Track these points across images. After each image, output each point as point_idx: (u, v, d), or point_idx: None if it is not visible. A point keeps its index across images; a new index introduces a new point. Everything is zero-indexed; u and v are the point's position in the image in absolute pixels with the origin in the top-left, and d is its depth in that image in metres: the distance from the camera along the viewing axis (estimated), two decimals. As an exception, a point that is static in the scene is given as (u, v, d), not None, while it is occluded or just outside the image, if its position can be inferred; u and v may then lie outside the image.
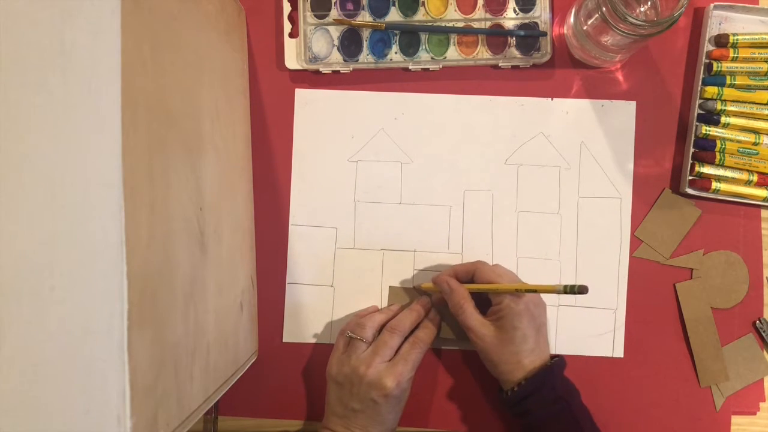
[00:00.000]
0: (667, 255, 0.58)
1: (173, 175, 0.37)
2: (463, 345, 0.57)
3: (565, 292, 0.45)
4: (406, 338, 0.52)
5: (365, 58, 0.58)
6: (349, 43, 0.58)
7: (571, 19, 0.56)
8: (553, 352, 0.58)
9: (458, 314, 0.51)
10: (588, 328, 0.58)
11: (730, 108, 0.56)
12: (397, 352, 0.51)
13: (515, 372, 0.49)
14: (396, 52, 0.58)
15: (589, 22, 0.52)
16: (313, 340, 0.58)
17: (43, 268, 0.30)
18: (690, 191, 0.57)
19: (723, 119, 0.56)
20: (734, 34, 0.56)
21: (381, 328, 0.53)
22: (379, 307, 0.58)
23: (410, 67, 0.58)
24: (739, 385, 0.57)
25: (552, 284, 0.48)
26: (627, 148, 0.58)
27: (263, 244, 0.59)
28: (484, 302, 0.52)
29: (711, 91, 0.56)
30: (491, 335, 0.50)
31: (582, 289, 0.44)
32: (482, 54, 0.58)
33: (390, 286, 0.58)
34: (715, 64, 0.56)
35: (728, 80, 0.56)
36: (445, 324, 0.56)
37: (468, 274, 0.53)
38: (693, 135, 0.57)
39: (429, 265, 0.59)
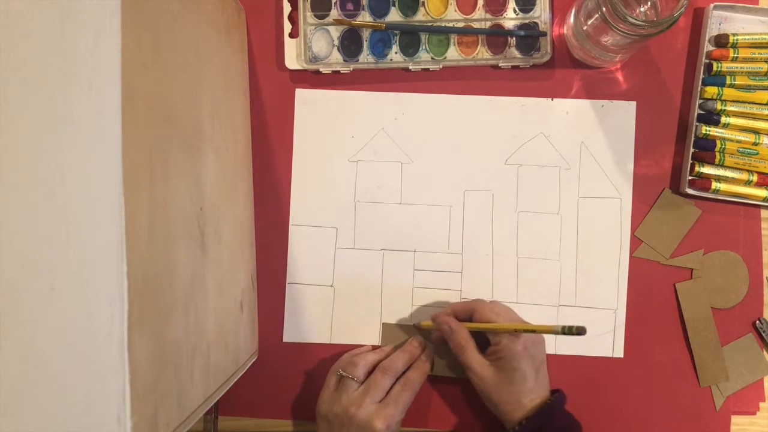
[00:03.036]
0: (667, 255, 0.58)
1: (173, 175, 0.37)
2: (459, 376, 0.56)
3: (563, 333, 0.45)
4: (398, 379, 0.52)
5: (365, 58, 0.58)
6: (349, 43, 0.58)
7: (571, 19, 0.56)
8: (553, 352, 0.58)
9: (459, 354, 0.51)
10: (588, 328, 0.58)
11: (730, 108, 0.56)
12: (388, 392, 0.51)
13: (515, 412, 0.49)
14: (396, 52, 0.58)
15: (589, 22, 0.52)
16: (313, 340, 0.58)
17: (43, 268, 0.30)
18: (690, 191, 0.57)
19: (723, 119, 0.56)
20: (734, 34, 0.56)
21: (373, 368, 0.52)
22: (372, 341, 0.58)
23: (410, 68, 0.58)
24: (739, 385, 0.57)
25: (549, 324, 0.48)
26: (627, 149, 0.58)
27: (263, 244, 0.59)
28: (484, 340, 0.53)
29: (711, 91, 0.56)
30: (491, 376, 0.50)
31: (580, 331, 0.45)
32: (482, 54, 0.58)
33: (384, 323, 0.58)
34: (715, 64, 0.56)
35: (728, 80, 0.56)
36: (443, 361, 0.56)
37: (467, 312, 0.53)
38: (693, 135, 0.57)
39: (428, 302, 0.58)
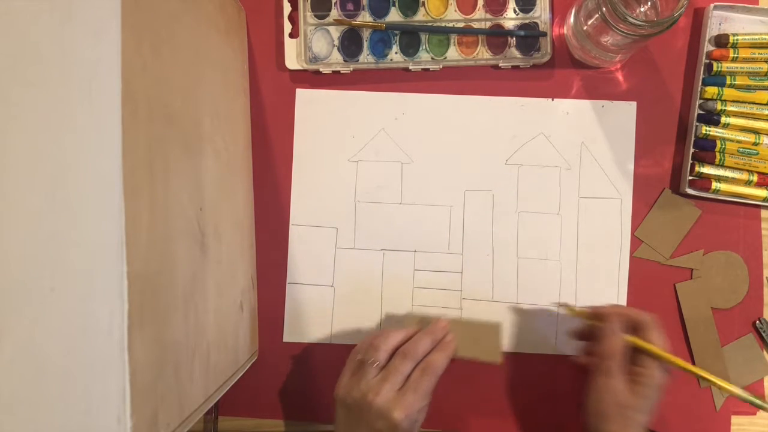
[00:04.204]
0: (667, 255, 0.58)
1: (173, 175, 0.37)
2: (485, 360, 0.54)
3: (745, 401, 0.45)
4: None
5: (365, 58, 0.58)
6: (350, 44, 0.58)
7: (571, 20, 0.56)
8: (553, 352, 0.58)
9: (608, 359, 0.48)
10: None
11: (730, 108, 0.56)
12: (408, 378, 0.48)
13: None
14: (396, 53, 0.58)
15: (589, 23, 0.52)
16: (313, 340, 0.58)
17: (43, 269, 0.30)
18: (690, 191, 0.57)
19: (723, 119, 0.56)
20: (734, 35, 0.56)
21: (395, 351, 0.49)
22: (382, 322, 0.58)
23: (410, 68, 0.58)
24: (739, 385, 0.57)
25: (731, 385, 0.47)
26: (627, 149, 0.58)
27: (263, 244, 0.59)
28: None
29: (711, 91, 0.56)
30: (623, 392, 0.47)
31: (762, 407, 0.45)
32: (482, 54, 0.58)
33: (408, 315, 0.57)
34: (715, 65, 0.56)
35: (728, 80, 0.56)
36: (469, 342, 0.53)
37: (635, 324, 0.50)
38: (693, 135, 0.57)
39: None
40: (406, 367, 0.48)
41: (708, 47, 0.57)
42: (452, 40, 0.58)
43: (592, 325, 0.52)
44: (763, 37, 0.56)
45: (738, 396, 0.46)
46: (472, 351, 0.54)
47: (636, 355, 0.49)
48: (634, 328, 0.50)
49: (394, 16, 0.58)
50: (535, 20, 0.58)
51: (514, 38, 0.58)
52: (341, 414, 0.49)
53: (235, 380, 0.50)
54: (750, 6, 0.58)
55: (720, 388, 0.47)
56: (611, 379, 0.48)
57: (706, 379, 0.48)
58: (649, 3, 0.53)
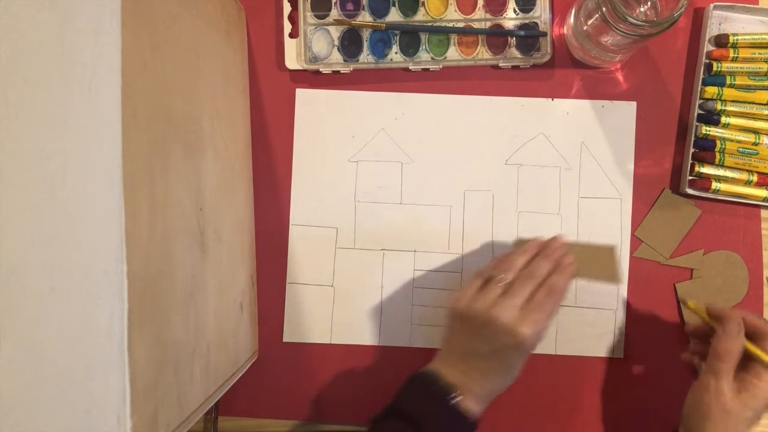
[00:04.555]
0: (667, 255, 0.58)
1: (173, 175, 0.37)
2: (606, 281, 0.53)
3: None
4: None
5: (365, 58, 0.58)
6: (349, 44, 0.58)
7: (571, 20, 0.56)
8: (553, 352, 0.58)
9: (723, 360, 0.47)
10: (588, 328, 0.58)
11: (730, 108, 0.56)
12: (532, 299, 0.47)
13: None
14: (396, 53, 0.58)
15: (589, 23, 0.52)
16: (313, 340, 0.58)
17: (43, 268, 0.30)
18: (690, 191, 0.57)
19: (723, 119, 0.56)
20: (734, 35, 0.56)
21: (519, 273, 0.49)
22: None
23: (410, 68, 0.58)
24: (739, 385, 0.57)
25: None
26: (627, 149, 0.58)
27: (263, 244, 0.59)
28: None
29: (711, 91, 0.56)
30: (729, 397, 0.46)
31: None
32: (482, 54, 0.58)
33: (518, 239, 0.55)
34: (715, 65, 0.56)
35: (728, 80, 0.56)
36: (587, 266, 0.53)
37: (754, 331, 0.48)
38: (693, 135, 0.57)
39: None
40: (530, 286, 0.48)
41: (708, 47, 0.57)
42: (452, 40, 0.58)
43: (707, 324, 0.51)
44: (763, 37, 0.56)
45: None
46: (592, 274, 0.53)
47: (748, 362, 0.47)
48: (752, 335, 0.48)
49: (394, 16, 0.58)
50: (535, 20, 0.58)
51: (514, 38, 0.58)
52: (457, 329, 0.48)
53: (235, 380, 0.50)
54: (750, 6, 0.58)
55: None
56: (721, 381, 0.46)
57: None
58: (649, 3, 0.53)
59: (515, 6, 0.58)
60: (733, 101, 0.56)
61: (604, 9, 0.48)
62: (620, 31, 0.48)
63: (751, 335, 0.48)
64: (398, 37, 0.58)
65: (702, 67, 0.57)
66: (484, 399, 0.47)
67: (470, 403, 0.46)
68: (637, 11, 0.53)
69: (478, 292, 0.48)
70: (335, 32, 0.58)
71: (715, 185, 0.56)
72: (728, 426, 0.46)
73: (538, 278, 0.48)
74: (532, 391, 0.58)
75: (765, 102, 0.56)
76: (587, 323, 0.58)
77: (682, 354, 0.54)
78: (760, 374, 0.47)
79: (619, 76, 0.59)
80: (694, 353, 0.53)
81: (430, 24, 0.58)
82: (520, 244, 0.54)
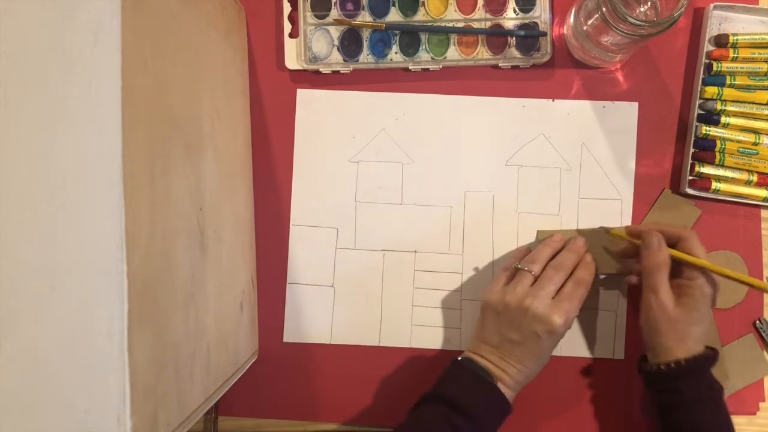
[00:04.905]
0: (668, 255, 0.58)
1: (173, 175, 0.37)
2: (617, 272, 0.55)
3: None
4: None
5: (365, 58, 0.58)
6: (349, 43, 0.58)
7: (571, 19, 0.56)
8: (553, 353, 0.57)
9: (652, 273, 0.49)
10: (588, 329, 0.58)
11: (730, 108, 0.56)
12: (560, 289, 0.50)
13: (676, 350, 0.48)
14: (396, 53, 0.58)
15: (589, 22, 0.52)
16: (313, 340, 0.58)
17: (43, 268, 0.30)
18: (690, 191, 0.57)
19: (723, 119, 0.56)
20: (734, 34, 0.56)
21: (546, 265, 0.52)
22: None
23: (410, 68, 0.58)
24: (739, 385, 0.57)
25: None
26: (628, 150, 0.58)
27: (263, 244, 0.59)
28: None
29: (711, 91, 0.56)
30: (671, 307, 0.48)
31: None
32: (482, 54, 0.58)
33: (539, 230, 0.56)
34: (715, 64, 0.56)
35: (728, 80, 0.56)
36: (604, 262, 0.54)
37: (673, 238, 0.50)
38: (693, 135, 0.57)
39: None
40: (559, 279, 0.50)
41: (708, 47, 0.57)
42: (452, 40, 0.58)
43: (633, 244, 0.52)
44: (763, 37, 0.56)
45: None
46: (610, 268, 0.55)
47: (680, 268, 0.50)
48: (675, 242, 0.50)
49: (394, 16, 0.58)
50: (535, 20, 0.58)
51: (514, 38, 0.58)
52: (490, 319, 0.51)
53: (235, 380, 0.50)
54: (750, 6, 0.58)
55: (755, 286, 0.47)
56: (659, 295, 0.49)
57: (746, 282, 0.48)
58: (649, 3, 0.53)
59: (515, 6, 0.58)
60: (733, 101, 0.56)
61: (604, 9, 0.48)
62: (620, 31, 0.48)
63: (675, 242, 0.50)
64: (398, 37, 0.58)
65: (702, 67, 0.57)
66: (519, 384, 0.50)
67: (505, 388, 0.49)
68: (637, 11, 0.53)
69: (507, 284, 0.51)
70: (335, 32, 0.58)
71: (715, 185, 0.56)
72: (678, 332, 0.48)
73: (566, 270, 0.51)
74: (532, 392, 0.57)
75: (765, 102, 0.56)
76: (588, 324, 0.58)
77: (625, 278, 0.55)
78: (691, 275, 0.49)
79: (619, 76, 0.59)
80: (636, 274, 0.53)
81: (430, 24, 0.58)
82: (542, 234, 0.56)
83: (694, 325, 0.48)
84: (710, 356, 0.49)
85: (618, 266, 0.54)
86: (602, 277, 0.57)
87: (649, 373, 0.50)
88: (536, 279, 0.51)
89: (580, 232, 0.56)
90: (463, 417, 0.46)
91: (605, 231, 0.55)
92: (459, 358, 0.51)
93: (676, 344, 0.48)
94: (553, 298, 0.49)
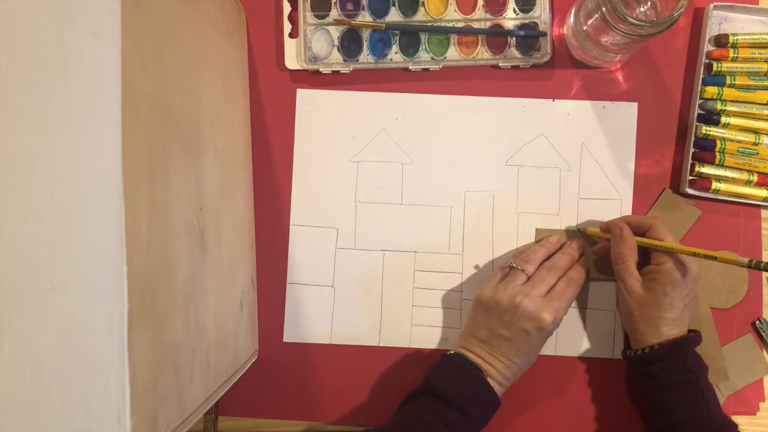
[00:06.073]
0: (667, 255, 0.58)
1: (173, 175, 0.37)
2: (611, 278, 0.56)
3: (748, 267, 0.45)
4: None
5: (365, 58, 0.58)
6: (349, 43, 0.58)
7: (571, 20, 0.56)
8: (553, 353, 0.58)
9: (618, 263, 0.52)
10: (588, 329, 0.58)
11: (730, 108, 0.56)
12: (552, 288, 0.52)
13: (650, 336, 0.50)
14: (396, 53, 0.58)
15: (589, 22, 0.52)
16: (313, 340, 0.58)
17: (43, 268, 0.30)
18: (690, 191, 0.57)
19: (723, 119, 0.56)
20: (734, 34, 0.56)
21: (539, 265, 0.53)
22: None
23: (410, 68, 0.58)
24: (739, 385, 0.57)
25: (734, 254, 0.47)
26: (628, 150, 0.58)
27: (263, 244, 0.59)
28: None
29: (711, 91, 0.56)
30: (641, 294, 0.50)
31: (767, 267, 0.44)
32: (482, 54, 0.58)
33: (537, 228, 0.58)
34: (715, 64, 0.56)
35: (728, 80, 0.56)
36: (594, 266, 0.56)
37: (641, 228, 0.53)
38: (693, 135, 0.57)
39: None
40: (552, 279, 0.52)
41: (708, 47, 0.57)
42: (452, 40, 0.58)
43: (606, 240, 0.54)
44: (763, 37, 0.56)
45: (743, 264, 0.45)
46: (602, 272, 0.57)
47: (649, 255, 0.52)
48: (642, 231, 0.52)
49: (394, 16, 0.58)
50: (535, 20, 0.58)
51: (514, 38, 0.58)
52: (481, 315, 0.52)
53: (235, 380, 0.50)
54: (750, 6, 0.58)
55: (721, 259, 0.47)
56: (627, 282, 0.51)
57: (710, 256, 0.48)
58: (649, 3, 0.53)
59: (515, 6, 0.58)
60: (733, 101, 0.56)
61: (604, 9, 0.48)
62: (620, 31, 0.48)
63: (644, 231, 0.52)
64: (398, 37, 0.58)
65: (702, 67, 0.57)
66: (507, 380, 0.51)
67: (494, 383, 0.50)
68: (637, 11, 0.53)
69: (500, 282, 0.52)
70: (335, 32, 0.58)
71: (715, 185, 0.56)
72: (649, 316, 0.50)
73: (559, 271, 0.53)
74: (532, 392, 0.58)
75: (765, 102, 0.56)
76: (587, 324, 0.58)
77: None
78: (658, 260, 0.51)
79: (619, 76, 0.59)
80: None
81: (430, 24, 0.58)
82: (540, 233, 0.57)
83: (664, 310, 0.49)
84: (686, 339, 0.50)
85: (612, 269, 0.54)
86: (598, 280, 0.57)
87: (628, 359, 0.52)
88: (529, 278, 0.52)
89: (579, 232, 0.56)
90: (453, 409, 0.47)
91: (580, 232, 0.57)
92: (449, 353, 0.51)
93: (649, 330, 0.50)
94: (545, 295, 0.51)
